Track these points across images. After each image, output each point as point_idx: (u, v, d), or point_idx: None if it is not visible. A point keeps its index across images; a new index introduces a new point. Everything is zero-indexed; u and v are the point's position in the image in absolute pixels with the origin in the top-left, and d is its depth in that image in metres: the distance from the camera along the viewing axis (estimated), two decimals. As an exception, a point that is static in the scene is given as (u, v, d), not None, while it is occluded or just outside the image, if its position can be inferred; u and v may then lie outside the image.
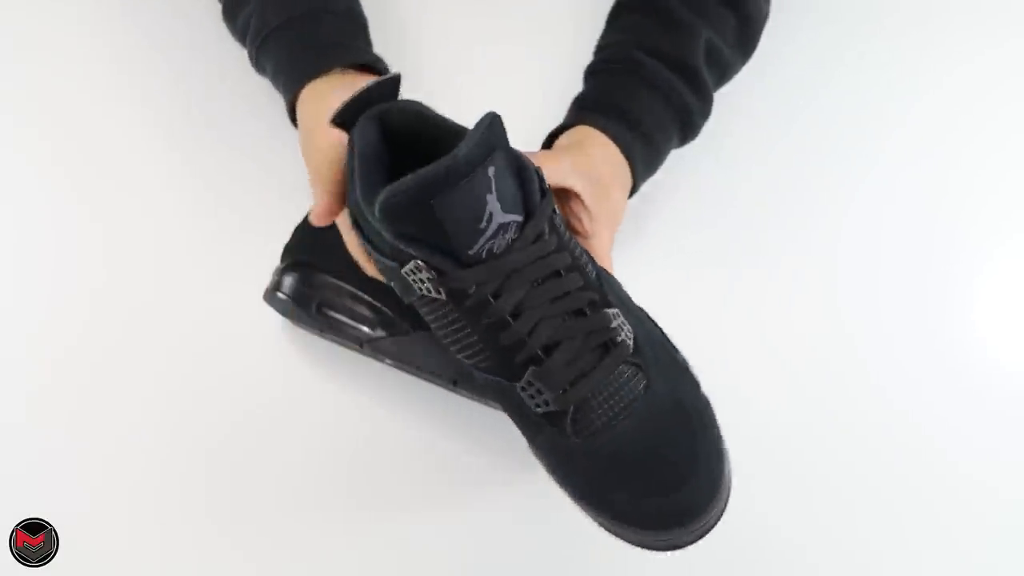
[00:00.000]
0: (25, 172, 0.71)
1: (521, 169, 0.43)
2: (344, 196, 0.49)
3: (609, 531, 0.48)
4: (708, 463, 0.46)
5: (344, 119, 0.45)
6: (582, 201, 0.53)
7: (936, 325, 0.69)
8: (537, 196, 0.44)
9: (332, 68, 0.57)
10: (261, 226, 0.65)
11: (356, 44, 0.60)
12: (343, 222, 0.51)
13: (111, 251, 0.69)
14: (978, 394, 0.67)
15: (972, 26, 0.76)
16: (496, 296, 0.43)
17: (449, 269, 0.42)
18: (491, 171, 0.40)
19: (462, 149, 0.39)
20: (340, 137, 0.47)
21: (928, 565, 0.64)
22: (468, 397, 0.63)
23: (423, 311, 0.47)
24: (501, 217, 0.42)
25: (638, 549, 0.48)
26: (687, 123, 0.60)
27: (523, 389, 0.45)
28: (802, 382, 0.67)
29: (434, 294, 0.44)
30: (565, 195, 0.54)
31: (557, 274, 0.45)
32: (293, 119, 0.59)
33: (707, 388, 0.50)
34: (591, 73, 0.62)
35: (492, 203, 0.41)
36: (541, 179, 0.45)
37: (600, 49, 0.63)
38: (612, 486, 0.46)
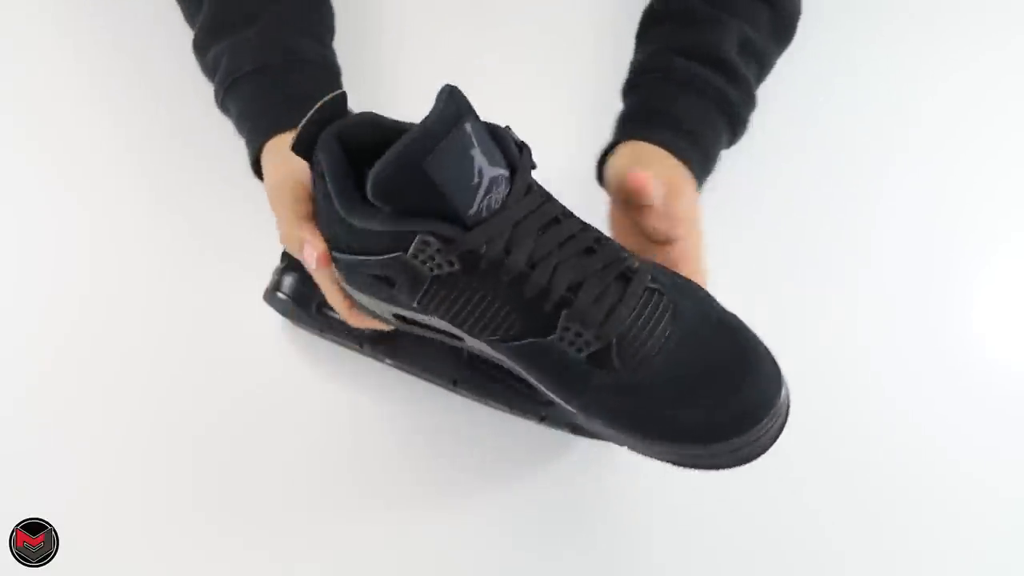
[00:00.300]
0: (25, 172, 0.71)
1: (493, 128, 0.44)
2: None
3: (694, 464, 0.46)
4: (759, 357, 0.46)
5: (304, 146, 0.46)
6: (655, 209, 0.52)
7: (939, 324, 0.69)
8: (515, 150, 0.44)
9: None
10: (261, 226, 0.65)
11: (327, 91, 0.57)
12: (323, 277, 0.52)
13: (112, 251, 0.69)
14: (980, 394, 0.67)
15: (985, 22, 0.77)
16: (508, 252, 0.44)
17: (457, 235, 0.42)
18: (467, 127, 0.41)
19: (431, 116, 0.40)
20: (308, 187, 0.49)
21: (929, 565, 0.64)
22: (468, 397, 0.63)
23: (435, 301, 0.46)
24: (490, 171, 0.42)
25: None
26: (732, 116, 0.59)
27: (561, 338, 0.45)
28: (804, 382, 0.67)
29: (447, 268, 0.44)
30: (637, 211, 0.53)
31: (556, 220, 0.45)
32: (256, 166, 0.57)
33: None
34: (628, 89, 0.62)
35: (479, 157, 0.42)
36: (514, 135, 0.45)
37: (632, 66, 0.63)
38: (679, 409, 0.45)
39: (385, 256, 0.45)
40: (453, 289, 0.45)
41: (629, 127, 0.59)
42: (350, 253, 0.47)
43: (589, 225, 0.47)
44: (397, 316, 0.51)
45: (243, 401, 0.64)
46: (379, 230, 0.44)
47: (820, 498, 0.65)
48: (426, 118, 0.40)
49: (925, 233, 0.71)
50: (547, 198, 0.46)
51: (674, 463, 0.47)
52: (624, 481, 0.64)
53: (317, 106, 0.45)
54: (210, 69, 0.61)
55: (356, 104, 0.48)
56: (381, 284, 0.47)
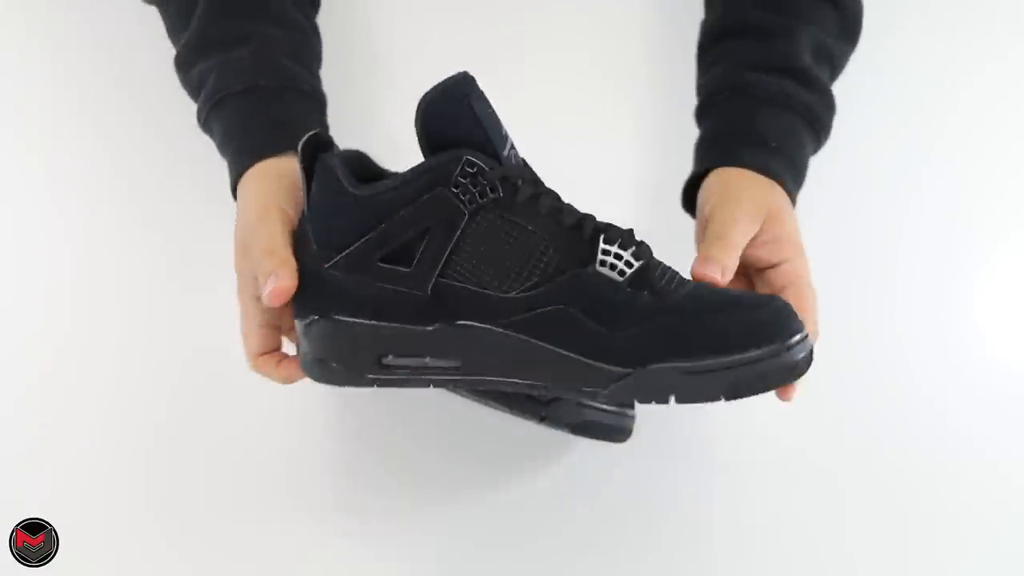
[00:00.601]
0: (25, 173, 0.71)
1: None
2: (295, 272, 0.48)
3: (746, 386, 0.46)
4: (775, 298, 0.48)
5: (305, 157, 0.48)
6: (760, 239, 0.52)
7: (951, 323, 0.69)
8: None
9: (290, 149, 0.52)
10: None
11: (316, 119, 0.58)
12: (257, 313, 0.52)
13: (112, 252, 0.69)
14: (984, 394, 0.67)
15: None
16: (536, 192, 0.46)
17: (495, 164, 0.45)
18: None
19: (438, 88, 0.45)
20: (292, 216, 0.50)
21: (934, 563, 0.64)
22: (468, 397, 0.63)
23: (469, 250, 0.45)
24: (507, 130, 0.47)
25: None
26: (814, 122, 0.58)
27: (602, 263, 0.45)
28: (812, 383, 0.67)
29: (489, 195, 0.45)
30: (750, 244, 0.52)
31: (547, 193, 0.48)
32: (234, 189, 0.56)
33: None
34: (701, 114, 0.61)
35: (499, 115, 0.46)
36: None
37: (700, 89, 0.61)
38: (722, 317, 0.45)
39: (421, 200, 0.45)
40: (491, 227, 0.45)
41: (713, 153, 0.57)
42: (361, 236, 0.46)
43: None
44: (382, 364, 0.49)
45: (243, 400, 0.64)
46: (415, 173, 0.45)
47: (826, 497, 0.65)
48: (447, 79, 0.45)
49: (929, 233, 0.71)
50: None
51: (724, 394, 0.46)
52: (624, 481, 0.64)
53: (308, 135, 0.48)
54: (194, 86, 0.58)
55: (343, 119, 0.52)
56: (391, 269, 0.46)
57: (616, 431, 0.62)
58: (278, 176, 0.53)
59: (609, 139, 0.72)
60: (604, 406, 0.61)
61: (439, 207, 0.45)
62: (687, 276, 0.49)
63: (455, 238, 0.45)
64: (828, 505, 0.64)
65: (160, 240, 0.69)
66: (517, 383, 0.48)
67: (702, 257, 0.50)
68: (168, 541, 0.62)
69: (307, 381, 0.52)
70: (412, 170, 0.45)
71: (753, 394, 0.46)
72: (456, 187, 0.44)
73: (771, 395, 0.65)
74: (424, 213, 0.45)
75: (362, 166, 0.49)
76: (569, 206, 0.47)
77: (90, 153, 0.71)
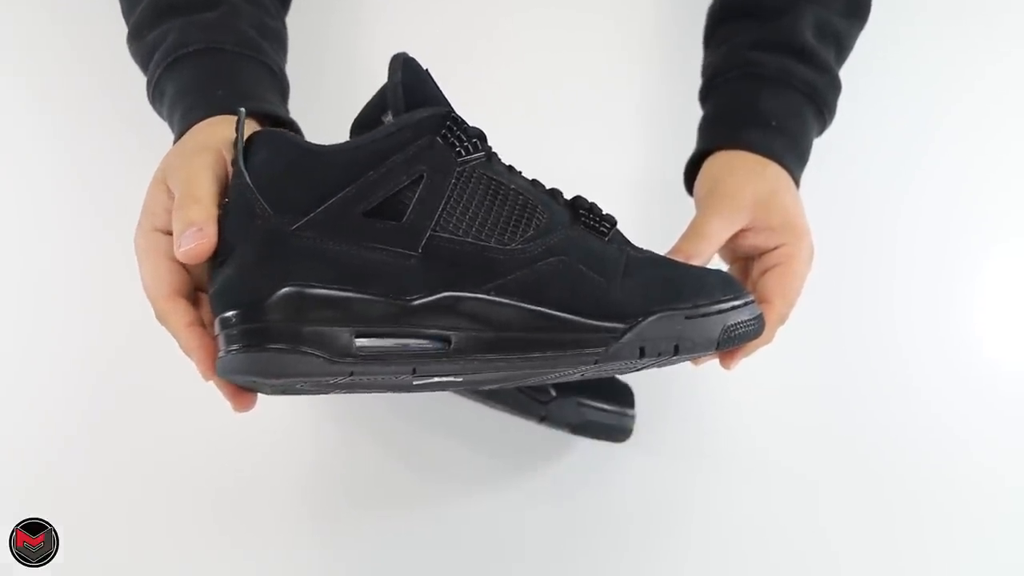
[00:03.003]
0: (27, 173, 0.71)
1: None
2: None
3: (733, 331, 0.47)
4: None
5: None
6: (751, 228, 0.53)
7: (940, 323, 0.69)
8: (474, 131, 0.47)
9: (256, 111, 0.49)
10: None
11: (277, 99, 0.53)
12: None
13: (112, 254, 0.69)
14: (981, 394, 0.67)
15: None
16: (511, 165, 0.46)
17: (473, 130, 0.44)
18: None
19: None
20: (227, 176, 0.43)
21: (931, 565, 0.64)
22: (468, 397, 0.63)
23: (463, 201, 0.43)
24: None
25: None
26: (818, 103, 0.57)
27: (584, 224, 0.46)
28: (811, 383, 0.67)
29: (475, 152, 0.44)
30: (741, 235, 0.53)
31: None
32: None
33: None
34: (705, 95, 0.60)
35: None
36: None
37: (704, 70, 0.61)
38: (698, 272, 0.48)
39: (409, 148, 0.42)
40: (480, 182, 0.44)
41: (713, 132, 0.57)
42: (337, 191, 0.41)
43: None
44: (359, 355, 0.41)
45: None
46: (403, 122, 0.43)
47: (826, 497, 0.65)
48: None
49: (926, 232, 0.71)
50: None
51: (719, 340, 0.47)
52: (624, 481, 0.64)
53: (234, 137, 0.42)
54: (146, 51, 0.53)
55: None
56: (376, 225, 0.41)
57: (616, 431, 0.62)
58: (231, 132, 0.44)
59: (600, 133, 0.72)
60: (604, 406, 0.61)
61: (433, 154, 0.43)
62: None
63: (449, 186, 0.43)
64: (828, 505, 0.64)
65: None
66: (508, 366, 0.44)
67: (672, 249, 0.52)
68: (168, 541, 0.62)
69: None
70: (398, 120, 0.43)
71: (740, 343, 0.48)
72: (447, 136, 0.43)
73: (772, 395, 0.66)
74: (418, 158, 0.42)
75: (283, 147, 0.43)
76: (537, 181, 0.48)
77: (89, 156, 0.71)
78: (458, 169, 0.43)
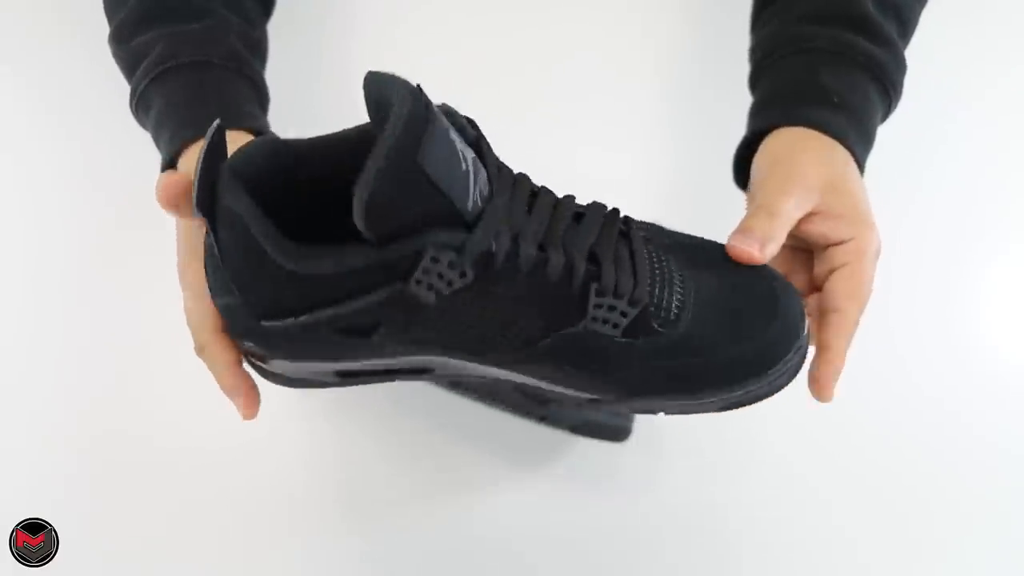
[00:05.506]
0: (25, 173, 0.71)
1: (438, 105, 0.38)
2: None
3: (737, 404, 0.44)
4: (784, 291, 0.44)
5: (205, 202, 0.38)
6: (819, 212, 0.46)
7: (946, 322, 0.69)
8: (464, 121, 0.39)
9: (241, 126, 0.48)
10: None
11: (259, 112, 0.52)
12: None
13: (111, 253, 0.69)
14: (989, 391, 0.68)
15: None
16: (516, 241, 0.38)
17: (464, 240, 0.36)
18: (434, 105, 0.36)
19: (401, 104, 0.34)
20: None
21: (935, 563, 0.64)
22: (469, 397, 0.63)
23: (435, 331, 0.39)
24: (469, 152, 0.37)
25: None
26: (884, 80, 0.51)
27: (594, 318, 0.40)
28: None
29: (459, 283, 0.37)
30: (808, 219, 0.46)
31: (535, 193, 0.40)
32: (169, 165, 0.49)
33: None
34: (755, 79, 0.54)
35: (458, 140, 0.36)
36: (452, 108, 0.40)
37: (753, 52, 0.55)
38: (731, 347, 0.42)
39: (374, 295, 0.37)
40: (462, 306, 0.38)
41: (766, 114, 0.50)
42: (299, 315, 0.38)
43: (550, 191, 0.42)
44: (342, 373, 0.43)
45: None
46: (358, 267, 0.36)
47: (827, 497, 0.65)
48: (395, 109, 0.33)
49: (931, 231, 0.71)
50: (510, 170, 0.40)
51: (719, 409, 0.44)
52: (624, 481, 0.64)
53: (203, 148, 0.38)
54: (131, 58, 0.51)
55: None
56: (347, 340, 0.39)
57: (616, 431, 0.62)
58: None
59: (618, 136, 0.72)
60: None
61: (400, 301, 0.37)
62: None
63: (419, 322, 0.39)
64: (829, 505, 0.64)
65: (160, 240, 0.69)
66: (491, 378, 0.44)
67: (740, 228, 0.44)
68: (168, 541, 0.62)
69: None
70: (361, 253, 0.36)
71: (742, 406, 0.44)
72: (419, 281, 0.36)
73: (779, 398, 0.66)
74: (383, 307, 0.38)
75: (271, 158, 0.39)
76: (556, 242, 0.39)
77: (88, 156, 0.71)
78: (432, 304, 0.38)
